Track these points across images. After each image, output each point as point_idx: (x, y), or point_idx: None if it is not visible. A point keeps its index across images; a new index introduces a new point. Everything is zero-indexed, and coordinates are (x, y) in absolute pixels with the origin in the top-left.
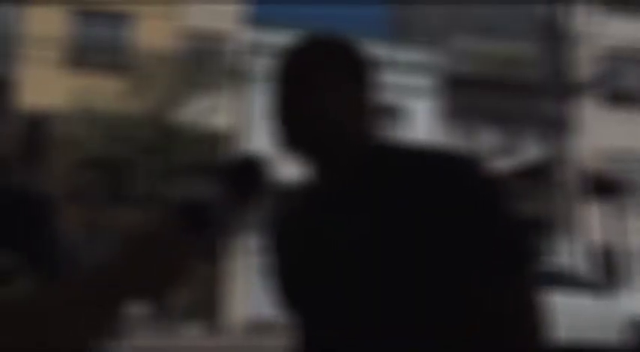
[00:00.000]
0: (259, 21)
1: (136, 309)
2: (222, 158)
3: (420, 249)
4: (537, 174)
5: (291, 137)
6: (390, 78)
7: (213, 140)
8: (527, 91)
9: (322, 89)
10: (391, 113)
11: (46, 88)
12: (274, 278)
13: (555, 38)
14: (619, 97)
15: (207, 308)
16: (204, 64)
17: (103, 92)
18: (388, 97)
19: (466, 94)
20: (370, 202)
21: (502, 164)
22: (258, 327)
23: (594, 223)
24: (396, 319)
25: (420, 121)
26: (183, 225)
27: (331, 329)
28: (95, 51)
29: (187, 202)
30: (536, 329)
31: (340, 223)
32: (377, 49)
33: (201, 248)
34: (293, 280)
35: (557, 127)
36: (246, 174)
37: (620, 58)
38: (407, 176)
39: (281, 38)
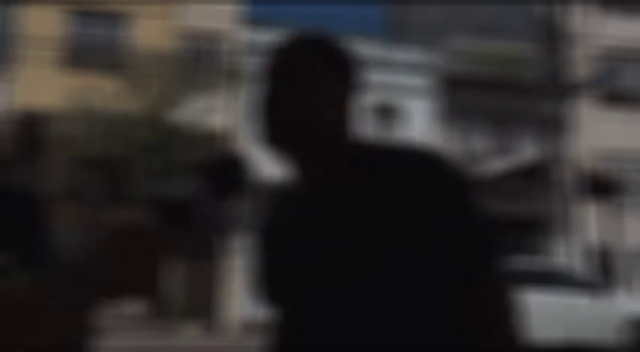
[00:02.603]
0: (256, 21)
1: (132, 309)
2: (205, 157)
3: (391, 247)
4: (534, 174)
5: (273, 133)
6: (386, 78)
7: (210, 140)
8: (524, 91)
9: (307, 87)
10: (388, 113)
11: (43, 87)
12: (260, 276)
13: (552, 38)
14: (616, 97)
15: (203, 308)
16: (201, 63)
17: (101, 92)
18: (385, 97)
19: (463, 94)
20: (345, 201)
21: (499, 163)
22: (255, 327)
23: (591, 223)
24: (371, 316)
25: (417, 121)
26: (163, 222)
27: (311, 324)
28: (92, 50)
29: (167, 199)
30: (506, 327)
31: (318, 222)
32: (373, 49)
33: (186, 245)
34: (278, 277)
35: (554, 127)
36: (227, 172)
37: (617, 58)
38: (380, 175)
39: (278, 38)
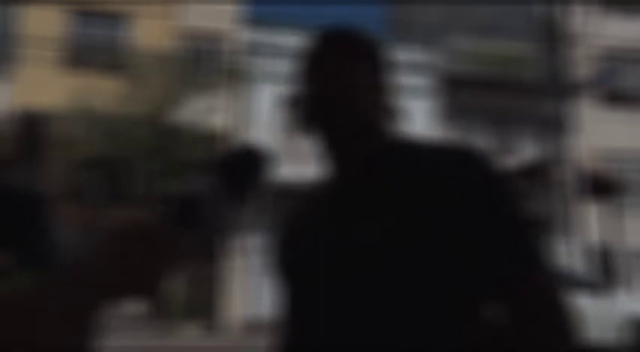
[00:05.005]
0: (257, 21)
1: (132, 309)
2: (219, 152)
3: (436, 243)
4: (535, 174)
5: (323, 116)
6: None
7: (211, 140)
8: (525, 91)
9: (356, 76)
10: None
11: (43, 87)
12: (278, 273)
13: (553, 38)
14: (617, 97)
15: (204, 308)
16: (201, 63)
17: (101, 92)
18: None
19: (463, 94)
20: (385, 196)
21: (500, 164)
22: (256, 327)
23: (592, 223)
24: (406, 314)
25: (418, 121)
26: (172, 219)
27: (335, 322)
28: (93, 50)
29: (177, 196)
30: (564, 325)
31: (355, 215)
32: None
33: (194, 244)
34: (300, 272)
35: (554, 127)
36: (243, 166)
37: (618, 58)
38: (427, 171)
39: (279, 38)
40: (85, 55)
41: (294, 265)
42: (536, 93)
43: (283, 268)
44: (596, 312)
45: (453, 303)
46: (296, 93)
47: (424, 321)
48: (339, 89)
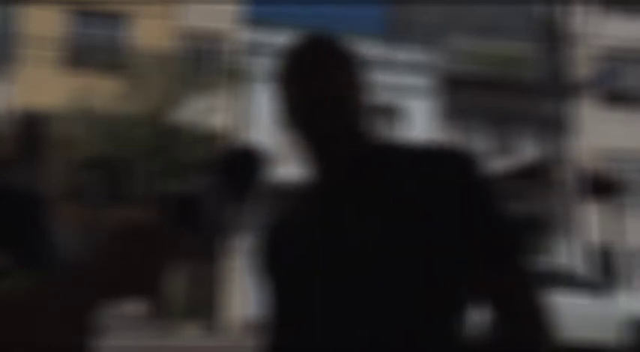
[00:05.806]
0: (257, 21)
1: (132, 309)
2: (218, 152)
3: (416, 245)
4: (535, 174)
5: (309, 124)
6: (387, 78)
7: (211, 140)
8: (524, 91)
9: (337, 75)
10: (389, 113)
11: (43, 87)
12: (268, 274)
13: (553, 38)
14: (617, 97)
15: (204, 308)
16: (201, 63)
17: (101, 92)
18: (386, 97)
19: (464, 94)
20: (370, 197)
21: (500, 164)
22: (256, 327)
23: (592, 223)
24: (392, 313)
25: (418, 121)
26: (172, 219)
27: (323, 323)
28: (92, 50)
29: (177, 196)
30: (539, 320)
31: (348, 215)
32: (374, 49)
33: (194, 244)
34: (294, 272)
35: (555, 127)
36: (242, 166)
37: (618, 58)
38: (407, 172)
39: (279, 38)
40: (85, 55)
41: (287, 266)
42: (536, 93)
43: (275, 269)
44: (596, 312)
45: (443, 302)
46: (279, 94)
47: (416, 320)
48: (321, 89)
